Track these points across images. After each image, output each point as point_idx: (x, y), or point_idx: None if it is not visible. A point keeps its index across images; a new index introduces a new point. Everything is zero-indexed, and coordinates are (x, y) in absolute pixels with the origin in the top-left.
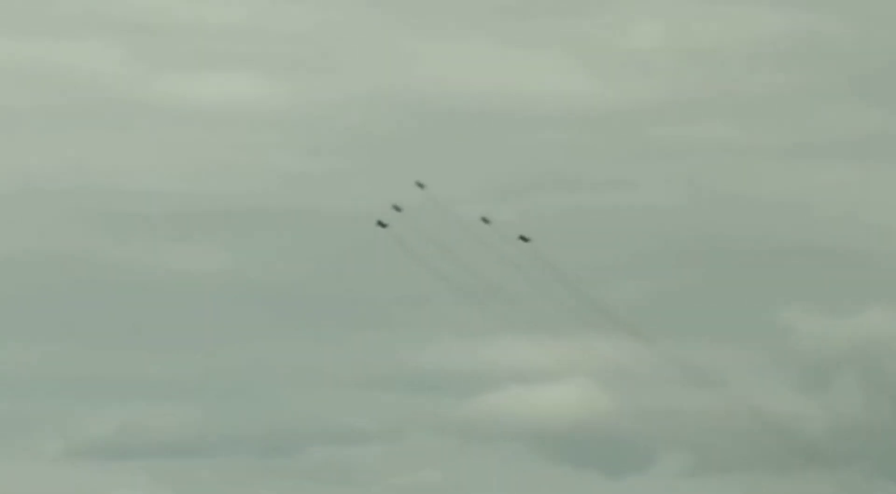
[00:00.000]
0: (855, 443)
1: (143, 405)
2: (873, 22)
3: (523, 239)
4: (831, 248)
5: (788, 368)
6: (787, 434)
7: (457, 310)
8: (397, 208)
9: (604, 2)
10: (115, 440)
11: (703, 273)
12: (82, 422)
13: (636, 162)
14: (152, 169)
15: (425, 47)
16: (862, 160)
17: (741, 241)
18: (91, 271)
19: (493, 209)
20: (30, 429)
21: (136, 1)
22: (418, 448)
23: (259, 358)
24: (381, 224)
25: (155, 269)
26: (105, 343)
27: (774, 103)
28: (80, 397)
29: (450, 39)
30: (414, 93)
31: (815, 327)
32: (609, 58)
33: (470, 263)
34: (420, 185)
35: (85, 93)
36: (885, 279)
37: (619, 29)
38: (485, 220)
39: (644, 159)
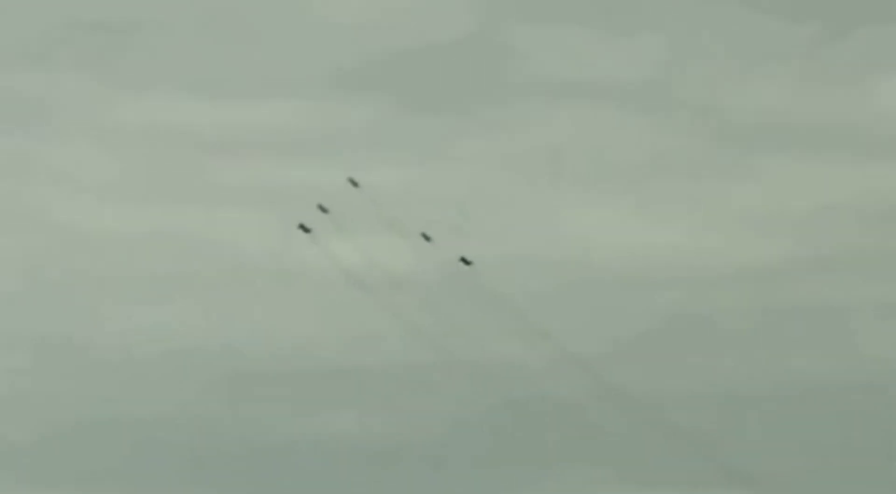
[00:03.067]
0: None
1: None
2: None
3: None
4: None
5: None
6: None
7: (590, 466)
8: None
9: (745, 163)
10: None
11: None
12: None
13: (772, 320)
14: (288, 330)
15: (556, 209)
16: None
17: None
18: (230, 432)
19: (626, 371)
20: None
21: (280, 171)
22: None
23: None
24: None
25: (288, 431)
26: None
27: None
28: None
29: (583, 202)
30: (548, 255)
31: None
32: (741, 218)
33: (600, 425)
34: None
35: (227, 259)
36: None
37: (748, 189)
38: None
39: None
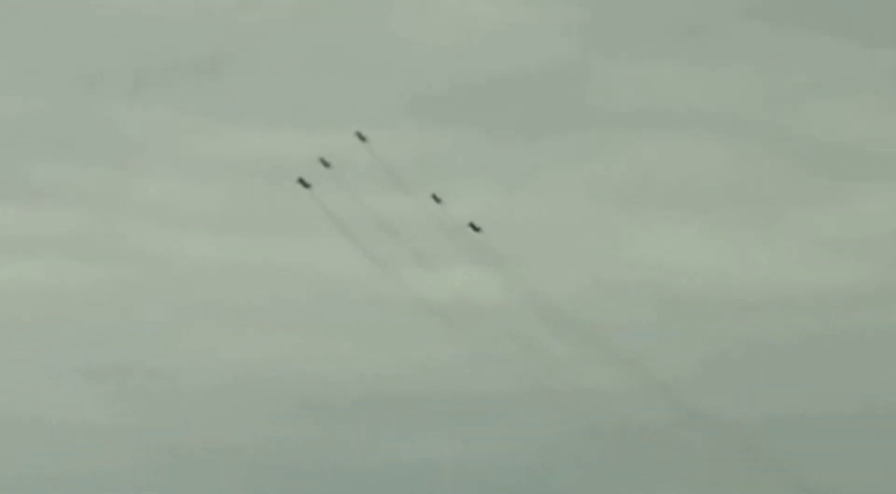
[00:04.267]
0: None
1: None
2: None
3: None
4: None
5: None
6: None
7: (676, 490)
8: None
9: (827, 190)
10: None
11: None
12: None
13: (854, 343)
14: (378, 358)
15: (639, 235)
16: None
17: None
18: (317, 457)
19: (709, 394)
20: None
21: (370, 198)
22: None
23: None
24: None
25: (375, 456)
26: None
27: None
28: None
29: (666, 228)
30: (630, 280)
31: None
32: (823, 244)
33: (685, 449)
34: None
35: (316, 288)
36: None
37: (830, 215)
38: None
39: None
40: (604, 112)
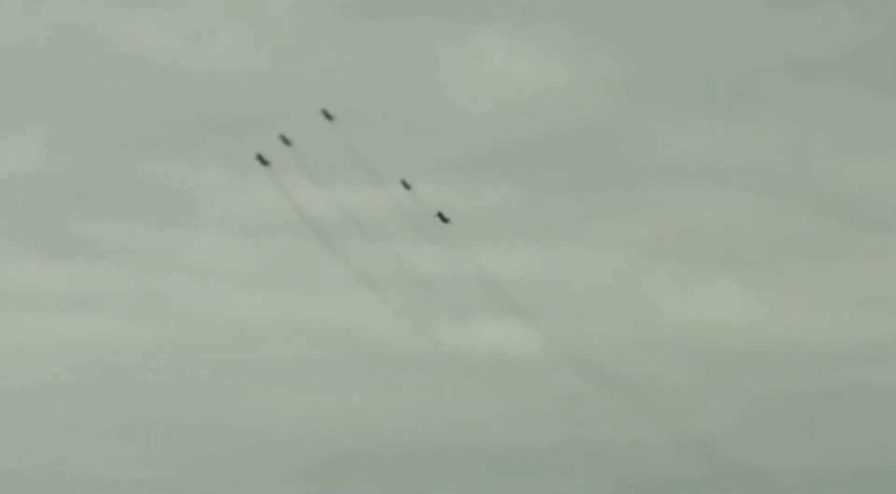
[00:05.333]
0: None
1: None
2: None
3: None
4: None
5: None
6: None
7: None
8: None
9: (871, 244)
10: None
11: None
12: None
13: None
14: (413, 413)
15: (679, 287)
16: None
17: None
18: None
19: (749, 447)
20: None
21: (399, 258)
22: None
23: None
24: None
25: None
26: None
27: None
28: None
29: (709, 282)
30: (667, 333)
31: None
32: (867, 298)
33: None
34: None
35: (353, 344)
36: None
37: (874, 269)
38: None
39: None
40: (644, 169)
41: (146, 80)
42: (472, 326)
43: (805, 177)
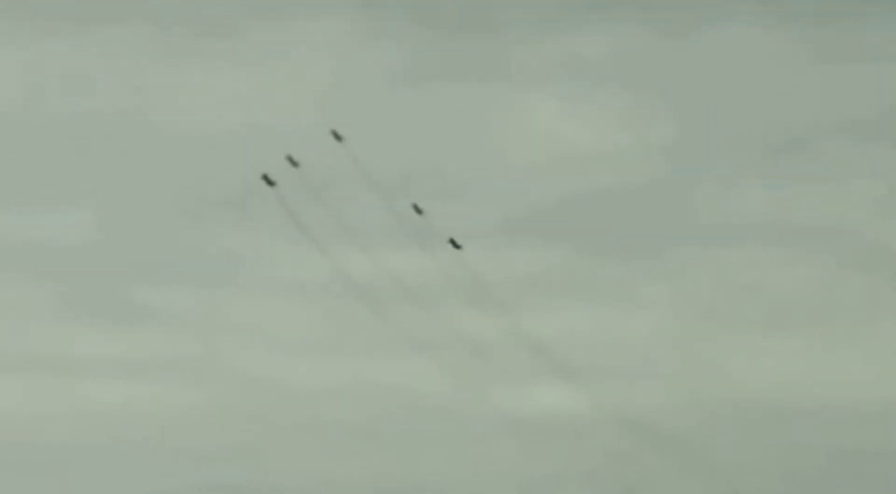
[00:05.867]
0: None
1: None
2: None
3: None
4: None
5: None
6: None
7: None
8: None
9: None
10: None
11: None
12: None
13: None
14: (465, 474)
15: (730, 347)
16: None
17: None
18: None
19: None
20: None
21: (450, 321)
22: None
23: None
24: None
25: None
26: None
27: None
28: None
29: (761, 343)
30: (718, 393)
31: None
32: None
33: None
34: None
35: (398, 408)
36: None
37: None
38: None
39: None
40: (695, 230)
41: (194, 146)
42: (524, 388)
43: (855, 235)
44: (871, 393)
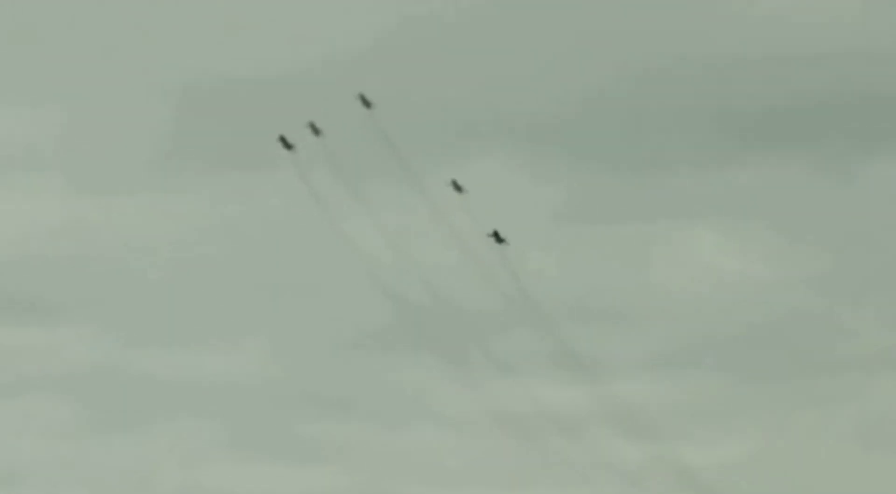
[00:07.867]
0: None
1: None
2: None
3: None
4: None
5: None
6: None
7: None
8: None
9: None
10: None
11: None
12: None
13: None
14: None
15: (889, 475)
16: None
17: None
18: None
19: None
20: None
21: (604, 452)
22: None
23: None
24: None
25: None
26: None
27: None
28: None
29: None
30: None
31: None
32: None
33: None
34: None
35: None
36: None
37: None
38: None
39: None
40: (850, 359)
41: (357, 280)
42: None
43: None
44: None
